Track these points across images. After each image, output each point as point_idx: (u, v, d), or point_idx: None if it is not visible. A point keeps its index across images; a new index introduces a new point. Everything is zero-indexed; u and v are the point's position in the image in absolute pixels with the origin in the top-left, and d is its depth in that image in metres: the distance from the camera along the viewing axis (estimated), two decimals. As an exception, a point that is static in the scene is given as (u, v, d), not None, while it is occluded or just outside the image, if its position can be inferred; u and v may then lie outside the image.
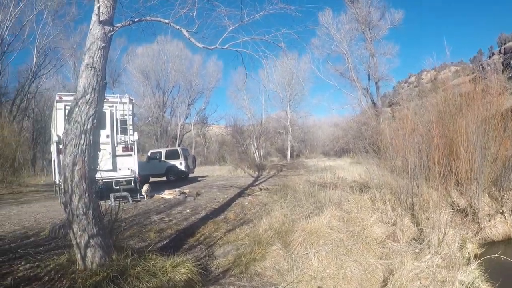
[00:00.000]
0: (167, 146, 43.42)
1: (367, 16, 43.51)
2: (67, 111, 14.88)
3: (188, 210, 12.71)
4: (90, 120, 6.06)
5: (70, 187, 5.88)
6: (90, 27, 6.52)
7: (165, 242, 9.10)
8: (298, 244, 9.12)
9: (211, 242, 9.34)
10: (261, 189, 16.82)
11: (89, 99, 6.09)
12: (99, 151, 6.72)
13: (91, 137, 6.09)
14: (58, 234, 9.11)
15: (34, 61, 47.37)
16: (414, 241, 10.08)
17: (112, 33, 6.58)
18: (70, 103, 15.21)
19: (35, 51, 47.50)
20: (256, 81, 52.09)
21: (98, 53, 6.29)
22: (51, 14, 47.32)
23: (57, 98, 15.78)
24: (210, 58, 63.32)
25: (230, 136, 71.68)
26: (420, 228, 10.70)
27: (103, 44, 6.38)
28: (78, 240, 5.92)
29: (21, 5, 44.27)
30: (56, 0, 46.52)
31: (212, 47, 7.30)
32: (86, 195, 5.92)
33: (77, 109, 6.08)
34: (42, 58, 48.40)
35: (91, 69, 6.18)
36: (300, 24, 8.12)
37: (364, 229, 10.11)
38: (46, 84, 51.69)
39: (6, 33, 44.52)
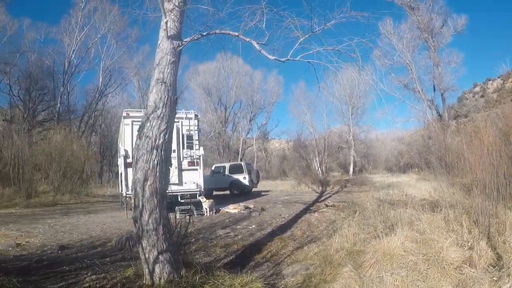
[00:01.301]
0: (230, 161, 43.60)
1: (429, 23, 41.15)
2: (134, 126, 15.35)
3: (253, 226, 12.57)
4: (161, 135, 6.03)
5: (141, 202, 5.86)
6: (159, 43, 6.49)
7: (231, 258, 8.92)
8: (370, 266, 8.68)
9: (278, 260, 9.05)
10: (327, 206, 16.46)
11: (161, 114, 6.06)
12: (171, 166, 6.68)
13: (162, 152, 6.04)
14: (125, 246, 9.18)
15: (100, 80, 50.12)
16: (492, 267, 9.46)
17: (181, 48, 6.54)
18: (137, 119, 15.72)
19: (100, 72, 50.28)
20: (317, 95, 51.40)
21: (168, 68, 6.27)
22: (114, 37, 50.44)
23: (124, 114, 16.23)
24: (270, 73, 63.31)
25: (291, 151, 71.34)
26: (497, 253, 10.04)
27: (173, 59, 6.36)
28: (147, 256, 5.86)
29: (86, 29, 47.66)
30: (119, 23, 49.25)
31: (284, 59, 7.12)
32: (157, 210, 5.87)
33: (148, 124, 6.06)
34: (107, 77, 51.16)
35: (161, 84, 6.17)
36: (365, 34, 7.76)
37: (440, 252, 9.55)
38: (112, 101, 54.41)
39: (73, 56, 47.98)
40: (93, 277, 6.56)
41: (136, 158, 6.08)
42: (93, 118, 52.15)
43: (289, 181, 40.77)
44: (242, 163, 28.46)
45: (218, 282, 6.00)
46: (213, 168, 28.93)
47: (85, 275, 6.74)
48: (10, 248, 9.32)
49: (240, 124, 62.59)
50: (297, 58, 7.19)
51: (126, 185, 15.29)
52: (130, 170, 15.02)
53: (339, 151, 63.00)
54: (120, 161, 17.17)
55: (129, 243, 9.15)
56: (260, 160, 65.31)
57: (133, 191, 6.04)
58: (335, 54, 7.55)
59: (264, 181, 31.56)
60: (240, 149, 60.51)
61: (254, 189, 28.45)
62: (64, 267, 7.45)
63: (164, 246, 5.87)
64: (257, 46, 7.01)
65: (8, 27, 43.30)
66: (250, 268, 8.31)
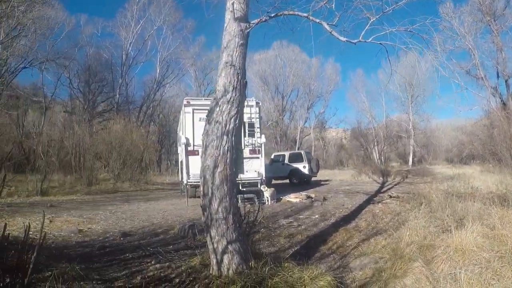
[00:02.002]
0: (287, 149, 43.31)
1: (491, 5, 38.21)
2: (194, 115, 15.46)
3: (316, 216, 12.23)
4: (232, 120, 5.78)
5: (210, 190, 5.63)
6: (225, 25, 6.26)
7: (295, 249, 8.60)
8: (441, 262, 8.21)
9: (345, 251, 8.68)
10: (391, 197, 15.90)
11: (230, 98, 5.81)
12: (241, 153, 6.44)
13: (233, 138, 5.79)
14: (187, 234, 9.02)
15: (158, 71, 51.73)
16: None
17: (249, 30, 6.27)
18: (197, 107, 15.70)
19: (157, 63, 51.97)
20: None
21: (236, 51, 6.02)
22: (170, 28, 52.16)
23: (185, 102, 16.21)
24: (327, 60, 62.59)
25: (348, 140, 70.25)
26: None
27: (241, 41, 6.10)
28: (215, 245, 5.63)
29: (141, 22, 49.57)
30: (174, 15, 51.12)
31: (355, 40, 6.73)
32: (227, 198, 5.63)
33: (217, 109, 5.83)
34: (164, 68, 52.69)
35: (230, 67, 5.91)
36: (425, 17, 7.21)
37: (514, 249, 8.92)
38: (169, 92, 55.77)
39: (130, 48, 49.89)
40: (157, 265, 6.40)
41: (206, 144, 5.85)
42: (151, 108, 53.57)
43: (347, 171, 40.18)
44: (302, 152, 28.00)
45: (287, 274, 5.70)
46: (272, 156, 28.63)
47: (149, 263, 6.61)
48: (72, 234, 9.34)
49: (297, 112, 62.41)
50: (369, 40, 6.79)
51: (187, 173, 15.41)
52: (191, 158, 15.18)
53: (397, 141, 61.54)
54: (181, 149, 17.20)
55: (192, 231, 8.99)
56: (317, 149, 64.73)
57: (202, 178, 5.82)
58: (407, 35, 7.10)
59: (321, 171, 31.09)
60: (297, 138, 60.31)
61: (313, 179, 27.96)
62: (127, 255, 7.37)
63: (234, 236, 5.63)
64: (327, 27, 6.65)
65: (66, 23, 45.01)
66: (316, 260, 7.98)
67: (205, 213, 5.76)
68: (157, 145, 46.89)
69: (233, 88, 5.85)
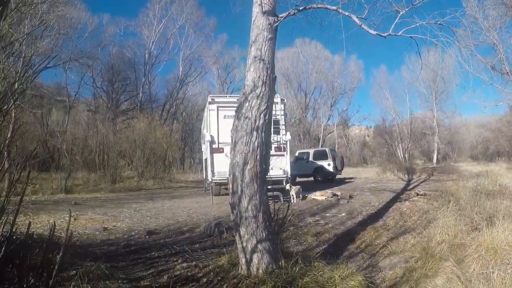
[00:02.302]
0: (310, 147, 43.04)
1: None
2: (219, 112, 15.36)
3: (343, 214, 12.03)
4: (261, 115, 5.63)
5: (239, 187, 5.49)
6: (253, 19, 6.13)
7: (323, 247, 8.42)
8: (473, 261, 7.94)
9: (373, 250, 8.49)
10: (418, 194, 15.57)
11: (260, 93, 5.67)
12: (271, 149, 6.28)
13: (263, 134, 5.64)
14: (214, 232, 8.89)
15: (180, 70, 52.25)
16: None
17: (277, 24, 6.13)
18: (222, 104, 15.58)
19: (180, 61, 52.58)
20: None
21: (265, 45, 5.88)
22: (192, 27, 52.54)
23: (209, 100, 16.09)
24: (350, 57, 61.90)
25: (372, 137, 69.58)
26: None
27: (270, 35, 5.96)
28: (244, 244, 5.49)
29: (164, 21, 50.19)
30: (195, 13, 51.67)
31: (385, 34, 6.52)
32: (257, 196, 5.48)
33: (247, 104, 5.69)
34: (187, 67, 53.12)
35: (259, 62, 5.77)
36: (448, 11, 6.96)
37: (546, 249, 8.58)
38: (192, 90, 56.02)
39: (153, 47, 50.43)
40: (184, 264, 6.28)
41: (235, 140, 5.72)
42: (174, 107, 54.15)
43: (371, 169, 39.78)
44: (327, 149, 27.67)
45: (317, 274, 5.54)
46: (296, 154, 28.28)
47: (175, 262, 6.49)
48: (97, 232, 9.28)
49: (320, 110, 62.23)
50: (399, 33, 6.58)
51: (212, 171, 15.29)
52: (215, 156, 15.10)
53: (421, 138, 60.68)
54: (205, 147, 17.07)
55: (218, 229, 8.87)
56: (340, 146, 64.28)
57: (231, 175, 5.69)
58: (437, 28, 6.87)
59: (345, 168, 30.73)
60: (320, 136, 60.02)
61: (338, 176, 27.61)
62: (153, 253, 7.28)
63: (264, 234, 5.48)
64: (357, 20, 6.47)
65: (89, 23, 45.35)
66: (345, 259, 7.82)
67: (234, 211, 5.63)
68: (181, 143, 47.68)
69: (263, 83, 5.71)
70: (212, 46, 56.78)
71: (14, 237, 5.04)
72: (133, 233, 9.33)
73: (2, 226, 3.76)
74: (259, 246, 5.42)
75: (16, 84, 20.55)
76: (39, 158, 27.64)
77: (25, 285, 3.71)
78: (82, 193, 20.88)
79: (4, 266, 3.61)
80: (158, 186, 26.27)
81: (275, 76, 6.06)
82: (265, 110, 5.66)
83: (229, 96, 17.64)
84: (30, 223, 4.28)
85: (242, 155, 5.55)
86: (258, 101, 5.63)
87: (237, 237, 5.64)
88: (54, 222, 4.11)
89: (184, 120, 55.80)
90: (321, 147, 44.17)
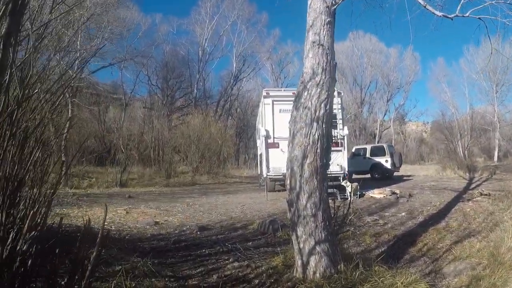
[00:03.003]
0: (366, 143, 42.19)
1: None
2: (274, 106, 15.08)
3: (403, 213, 11.40)
4: (322, 105, 5.16)
5: (298, 183, 5.05)
6: (309, 2, 5.70)
7: (382, 249, 7.89)
8: (547, 270, 7.18)
9: (436, 255, 7.84)
10: (481, 194, 14.70)
11: (320, 81, 5.20)
12: (332, 142, 5.79)
13: (324, 125, 5.18)
14: (268, 230, 8.51)
15: (234, 66, 52.63)
16: None
17: (335, 6, 5.64)
18: (277, 98, 15.21)
19: (234, 58, 52.85)
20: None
21: (323, 29, 5.41)
22: (244, 23, 52.84)
23: (264, 93, 15.83)
24: (406, 50, 60.00)
25: (429, 133, 67.61)
26: None
27: (328, 19, 5.48)
28: (301, 245, 5.06)
29: (216, 18, 50.69)
30: (247, 9, 51.94)
31: (452, 15, 5.95)
32: (317, 193, 5.03)
33: (306, 93, 5.24)
34: (241, 63, 53.24)
35: (318, 47, 5.31)
36: None
37: None
38: (246, 86, 56.06)
39: (206, 44, 50.92)
40: (236, 264, 5.92)
41: (293, 132, 5.28)
42: (229, 103, 54.06)
43: (429, 166, 38.63)
44: (384, 145, 26.89)
45: (378, 280, 5.05)
46: (353, 150, 27.61)
47: (226, 261, 6.15)
48: (148, 227, 9.08)
49: (376, 105, 60.60)
50: (467, 14, 5.98)
51: (267, 166, 15.04)
52: (271, 151, 14.84)
53: (481, 134, 58.23)
54: (260, 142, 16.85)
55: (272, 227, 8.49)
56: (397, 143, 62.52)
57: (289, 170, 5.26)
58: (509, 7, 6.24)
59: (403, 165, 29.83)
60: (377, 132, 58.79)
61: (395, 174, 26.78)
62: (203, 250, 6.96)
63: (323, 235, 5.03)
64: (421, 1, 5.92)
65: (142, 23, 46.30)
66: (405, 263, 7.25)
67: (291, 209, 5.19)
68: (235, 138, 47.85)
69: (322, 70, 5.24)
70: (265, 41, 56.51)
71: (61, 231, 4.86)
72: (184, 229, 9.06)
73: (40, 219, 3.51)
74: (317, 248, 4.98)
75: (72, 82, 21.17)
76: (97, 154, 28.45)
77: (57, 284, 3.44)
78: (136, 187, 21.21)
79: (39, 262, 3.35)
80: (213, 181, 26.43)
81: (336, 63, 5.58)
82: (326, 100, 5.19)
83: (284, 90, 17.26)
84: (61, 218, 3.99)
85: (301, 148, 5.10)
86: (318, 90, 5.17)
87: (293, 237, 5.22)
88: (89, 218, 3.82)
89: (239, 116, 56.01)
90: (378, 143, 43.16)
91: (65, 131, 20.98)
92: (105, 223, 8.90)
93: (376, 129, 58.80)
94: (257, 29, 54.65)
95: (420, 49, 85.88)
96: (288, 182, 5.24)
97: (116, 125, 32.79)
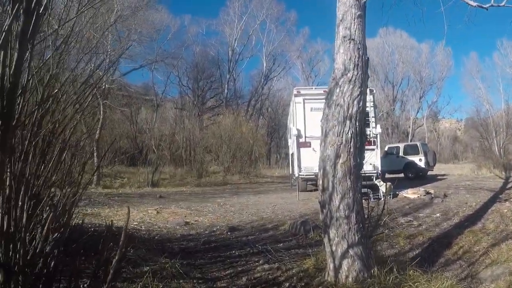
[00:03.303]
0: (398, 141, 41.53)
1: None
2: (305, 105, 14.90)
3: (437, 214, 11.04)
4: (355, 102, 4.95)
5: (331, 184, 4.86)
6: (339, -5, 5.48)
7: (417, 252, 7.57)
8: None
9: (472, 258, 7.46)
10: (520, 194, 14.26)
11: (352, 76, 5.00)
12: (366, 141, 5.57)
13: (357, 123, 4.97)
14: (299, 231, 8.32)
15: (264, 65, 52.61)
16: None
17: (365, 0, 5.44)
18: (308, 97, 15.03)
19: (263, 57, 52.95)
20: (491, 66, 45.24)
21: (354, 23, 5.21)
22: (273, 22, 52.84)
23: (295, 92, 15.66)
24: (437, 44, 58.75)
25: (463, 131, 66.21)
26: None
27: (358, 12, 5.27)
28: (333, 248, 4.87)
29: (244, 18, 50.82)
30: (276, 8, 51.81)
31: (487, 5, 5.68)
32: (350, 194, 4.83)
33: (337, 90, 5.04)
34: (271, 62, 53.24)
35: (349, 42, 5.12)
36: None
37: None
38: (277, 85, 55.91)
39: (236, 44, 51.13)
40: (266, 266, 5.77)
41: (325, 130, 5.09)
42: (259, 102, 54.18)
43: (464, 164, 37.77)
44: (418, 144, 26.28)
45: (413, 285, 4.83)
46: (386, 149, 27.10)
47: (256, 263, 6.00)
48: (178, 227, 9.04)
49: (408, 102, 59.66)
50: (502, 3, 5.68)
51: (299, 166, 14.86)
52: (302, 150, 14.70)
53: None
54: (291, 141, 16.69)
55: (304, 228, 8.31)
56: (430, 141, 61.35)
57: (321, 170, 5.07)
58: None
59: (436, 164, 29.19)
60: (410, 129, 57.80)
61: (429, 173, 26.10)
62: (233, 252, 6.84)
63: (356, 238, 4.83)
64: (455, -9, 5.68)
65: (171, 25, 47.34)
66: (440, 266, 6.91)
67: (323, 210, 5.00)
68: (266, 138, 48.05)
69: (354, 65, 5.04)
70: (294, 40, 56.45)
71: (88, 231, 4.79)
72: (214, 229, 8.96)
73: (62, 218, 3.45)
74: (350, 251, 4.78)
75: (103, 84, 21.47)
76: (129, 154, 28.76)
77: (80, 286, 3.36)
78: (168, 187, 21.27)
79: (63, 263, 3.28)
80: (244, 181, 26.42)
81: (368, 58, 5.37)
82: (359, 96, 4.98)
83: (315, 88, 17.02)
84: (83, 219, 3.92)
85: (334, 147, 4.90)
86: (351, 86, 4.97)
87: (325, 240, 5.04)
88: (112, 221, 3.73)
89: (270, 115, 55.85)
90: (410, 141, 42.41)
91: (97, 132, 21.29)
92: (135, 223, 8.91)
93: (409, 127, 57.82)
94: (286, 27, 54.76)
95: (452, 44, 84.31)
96: (321, 182, 5.06)
97: (147, 126, 33.19)
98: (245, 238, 7.99)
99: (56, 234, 3.09)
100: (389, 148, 27.23)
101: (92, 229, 6.64)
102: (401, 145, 27.07)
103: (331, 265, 4.92)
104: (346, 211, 4.77)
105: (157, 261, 5.28)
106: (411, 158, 24.75)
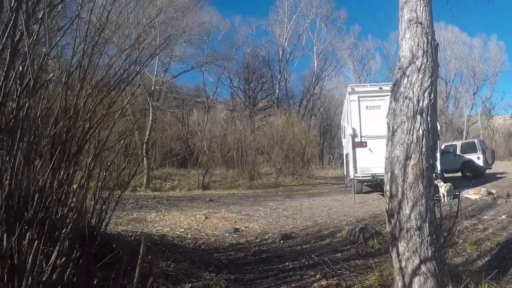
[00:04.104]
0: (453, 139, 40.14)
1: None
2: (360, 103, 14.27)
3: (503, 216, 10.10)
4: (426, 94, 4.23)
5: (400, 189, 4.17)
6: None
7: (486, 259, 6.71)
8: None
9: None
10: None
11: (421, 65, 4.29)
12: (438, 140, 4.84)
13: (429, 119, 4.26)
14: (358, 239, 7.57)
15: (315, 65, 52.68)
16: None
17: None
18: (363, 94, 14.37)
19: (314, 56, 53.09)
20: None
21: (420, 4, 4.51)
22: (323, 21, 52.82)
23: (349, 89, 15.04)
24: (489, 39, 56.81)
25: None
26: None
27: (425, -7, 4.60)
28: (403, 264, 4.15)
29: (294, 17, 50.95)
30: (325, 6, 51.82)
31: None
32: (423, 201, 4.09)
33: (405, 81, 4.34)
34: (322, 61, 53.32)
35: (416, 26, 4.43)
36: None
37: None
38: (328, 85, 55.68)
39: (286, 44, 51.10)
40: (323, 282, 5.08)
41: (392, 128, 4.39)
42: (311, 102, 53.81)
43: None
44: (476, 141, 25.16)
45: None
46: (442, 147, 26.03)
47: (312, 277, 5.36)
48: (227, 234, 8.50)
49: (462, 99, 58.90)
50: None
51: (354, 167, 14.22)
52: (358, 151, 14.11)
53: None
54: (346, 141, 16.16)
55: (363, 235, 7.57)
56: (484, 138, 59.63)
57: (389, 174, 4.37)
58: None
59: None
60: (464, 127, 56.46)
61: (487, 171, 25.02)
62: (287, 264, 6.18)
63: (429, 252, 4.10)
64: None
65: (221, 26, 48.04)
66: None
67: (391, 220, 4.31)
68: (319, 138, 47.53)
69: (423, 52, 4.32)
70: (345, 38, 56.11)
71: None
72: (266, 237, 8.31)
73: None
74: (423, 267, 4.07)
75: (153, 86, 21.69)
76: (180, 156, 28.88)
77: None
78: (219, 190, 21.05)
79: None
80: (297, 183, 25.93)
81: (437, 44, 4.65)
82: (430, 87, 4.25)
83: (370, 85, 16.22)
84: (106, 226, 3.52)
85: (403, 146, 4.21)
86: (420, 76, 4.26)
87: (393, 254, 4.33)
88: (143, 231, 3.28)
89: (322, 115, 55.60)
90: (465, 139, 40.84)
91: (146, 134, 21.38)
92: (181, 230, 8.45)
93: (463, 124, 56.21)
94: (337, 26, 54.27)
95: (504, 37, 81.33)
96: (388, 188, 4.36)
97: (199, 128, 33.30)
98: (300, 248, 7.31)
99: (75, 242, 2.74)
100: (445, 146, 26.08)
101: (132, 238, 6.24)
102: (458, 143, 25.96)
103: (400, 283, 4.22)
104: (418, 221, 4.05)
105: (201, 276, 4.74)
106: (468, 156, 23.82)
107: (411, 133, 4.17)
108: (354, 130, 14.19)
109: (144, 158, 21.11)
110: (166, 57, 30.07)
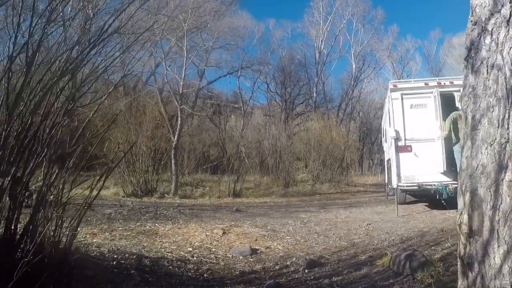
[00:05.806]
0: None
1: None
2: (404, 101, 12.56)
3: None
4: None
5: (487, 222, 2.44)
6: None
7: None
8: None
9: None
10: None
11: (509, 15, 2.57)
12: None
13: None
14: (403, 269, 5.64)
15: (353, 67, 52.28)
16: None
17: None
18: (407, 91, 12.47)
19: (352, 58, 52.74)
20: None
21: None
22: (360, 21, 52.61)
23: (391, 86, 13.18)
24: None
25: None
26: None
27: None
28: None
29: (330, 18, 50.80)
30: (361, 6, 51.40)
31: None
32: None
33: (487, 40, 2.42)
34: (360, 63, 53.04)
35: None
36: None
37: None
38: (367, 87, 55.34)
39: (322, 46, 50.93)
40: None
41: (472, 117, 2.48)
42: (350, 106, 53.11)
43: None
44: None
45: None
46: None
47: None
48: (241, 257, 6.79)
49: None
50: None
51: (398, 175, 12.35)
52: (402, 156, 12.29)
53: None
54: (388, 145, 14.57)
55: (410, 264, 5.64)
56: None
57: (467, 195, 2.55)
58: None
59: None
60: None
61: None
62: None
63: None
64: None
65: (256, 30, 47.65)
66: None
67: (471, 271, 2.59)
68: (358, 143, 46.69)
69: (511, -1, 2.67)
70: (383, 39, 54.80)
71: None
72: (288, 263, 6.46)
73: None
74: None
75: (181, 89, 21.26)
76: (212, 163, 28.41)
77: None
78: (250, 197, 20.08)
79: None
80: (334, 191, 24.73)
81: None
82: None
83: (414, 81, 14.28)
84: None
85: (494, 148, 2.45)
86: (511, 31, 2.60)
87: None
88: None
89: (361, 119, 54.55)
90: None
91: (175, 138, 20.92)
92: (189, 249, 6.90)
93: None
94: (374, 26, 53.37)
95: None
96: (465, 219, 2.60)
97: (236, 134, 32.96)
98: (328, 281, 5.41)
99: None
100: None
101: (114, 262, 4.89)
102: None
103: None
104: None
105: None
106: None
107: (506, 126, 2.45)
108: (397, 132, 12.43)
109: (173, 164, 20.29)
110: (201, 63, 30.68)
